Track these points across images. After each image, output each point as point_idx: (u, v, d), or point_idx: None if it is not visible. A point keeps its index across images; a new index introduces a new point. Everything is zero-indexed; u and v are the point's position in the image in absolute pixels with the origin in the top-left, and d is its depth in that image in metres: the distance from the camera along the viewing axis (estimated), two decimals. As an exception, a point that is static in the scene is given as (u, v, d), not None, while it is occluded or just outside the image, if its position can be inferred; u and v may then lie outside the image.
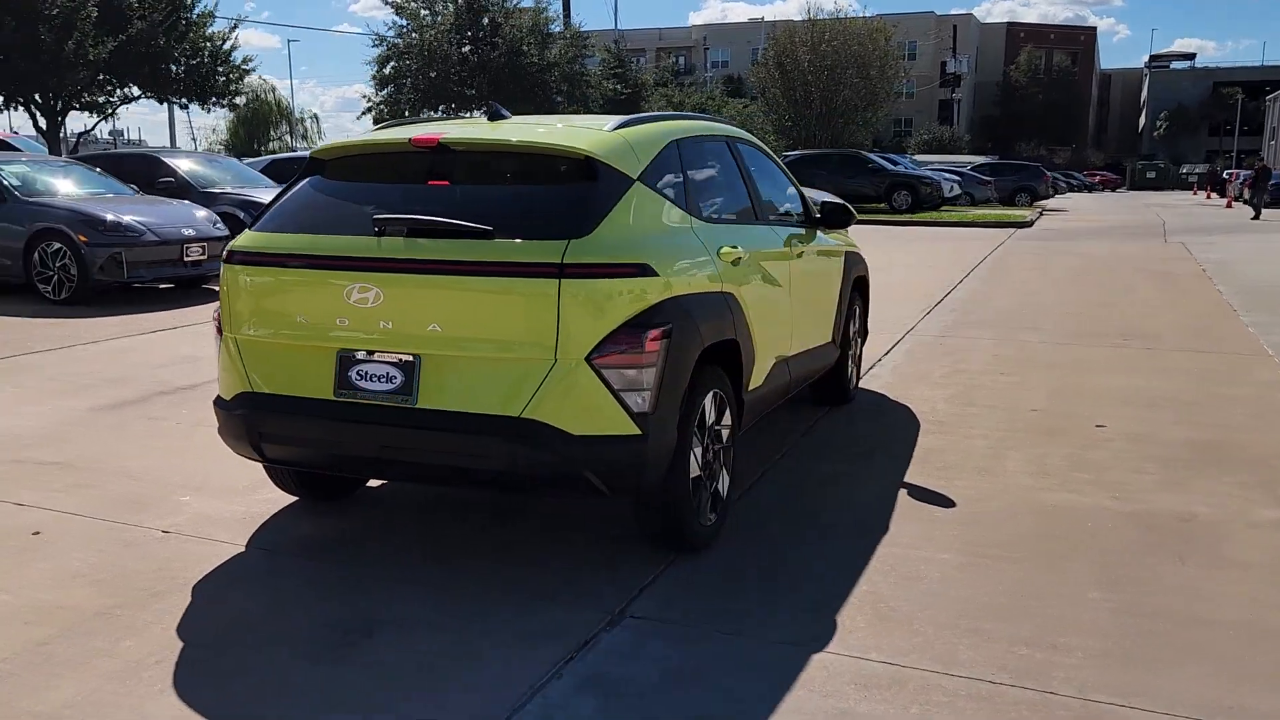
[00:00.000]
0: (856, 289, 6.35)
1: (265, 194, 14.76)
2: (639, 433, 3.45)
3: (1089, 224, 27.07)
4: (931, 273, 13.92)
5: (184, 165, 13.90)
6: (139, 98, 22.86)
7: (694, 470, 3.78)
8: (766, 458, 5.21)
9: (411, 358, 3.49)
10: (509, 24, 33.69)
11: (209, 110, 24.67)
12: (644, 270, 3.50)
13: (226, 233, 11.17)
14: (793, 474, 4.99)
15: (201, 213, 11.52)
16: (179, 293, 11.49)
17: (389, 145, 3.90)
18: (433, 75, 32.64)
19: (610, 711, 2.81)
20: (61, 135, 22.22)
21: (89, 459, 5.07)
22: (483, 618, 3.37)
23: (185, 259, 10.79)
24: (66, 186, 11.50)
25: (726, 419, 4.09)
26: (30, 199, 10.80)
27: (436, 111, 33.30)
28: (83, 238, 10.20)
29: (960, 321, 9.68)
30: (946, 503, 4.57)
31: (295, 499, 4.46)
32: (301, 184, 3.98)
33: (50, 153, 19.87)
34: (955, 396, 6.58)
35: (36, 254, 10.37)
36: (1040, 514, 4.42)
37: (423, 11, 33.91)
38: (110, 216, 10.46)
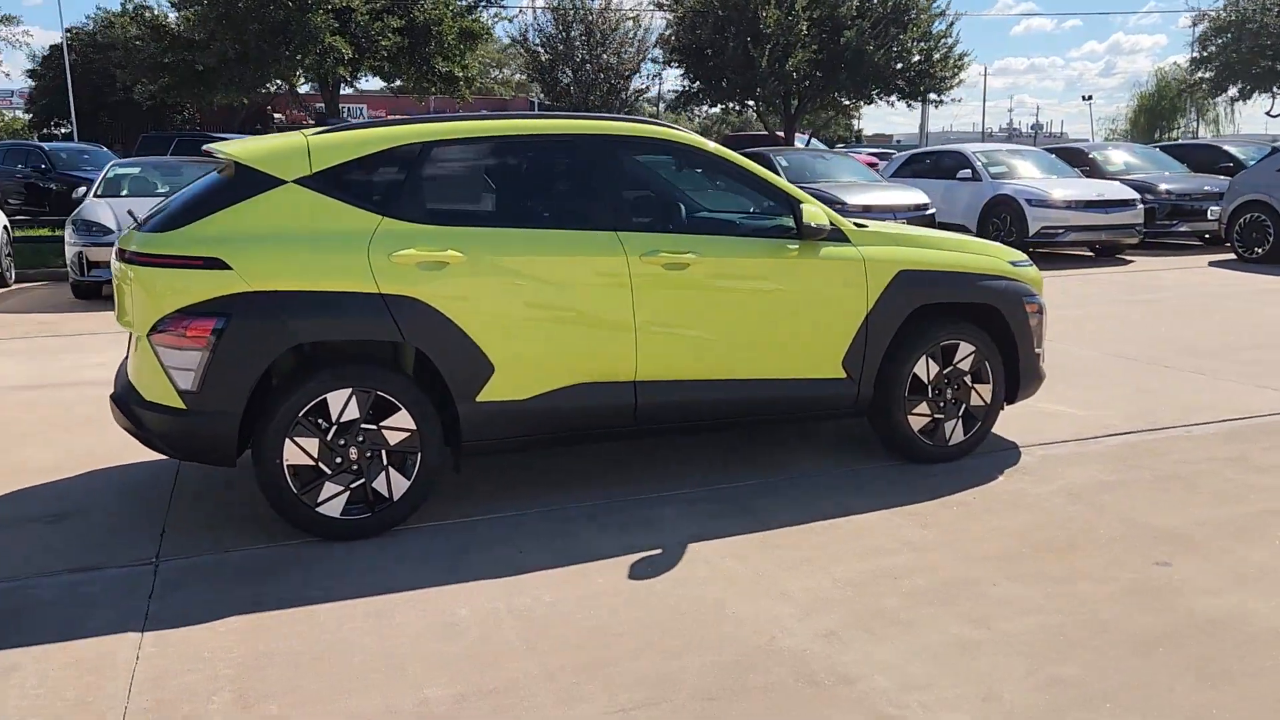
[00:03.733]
0: (938, 320, 4.95)
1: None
2: (184, 408, 3.89)
3: None
4: None
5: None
6: (858, 101, 24.73)
7: (295, 459, 3.97)
8: (659, 486, 4.69)
9: (133, 321, 4.42)
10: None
11: (911, 106, 25.41)
12: (215, 264, 3.87)
13: None
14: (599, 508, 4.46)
15: None
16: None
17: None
18: (1245, 48, 28.22)
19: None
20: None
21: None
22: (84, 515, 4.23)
23: None
24: None
25: (401, 421, 4.08)
26: None
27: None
28: None
29: None
30: (612, 569, 3.78)
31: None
32: None
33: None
34: (1101, 486, 4.69)
35: None
36: (679, 625, 3.41)
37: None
38: None
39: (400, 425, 4.10)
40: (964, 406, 5.07)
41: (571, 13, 21.71)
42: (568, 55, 22.24)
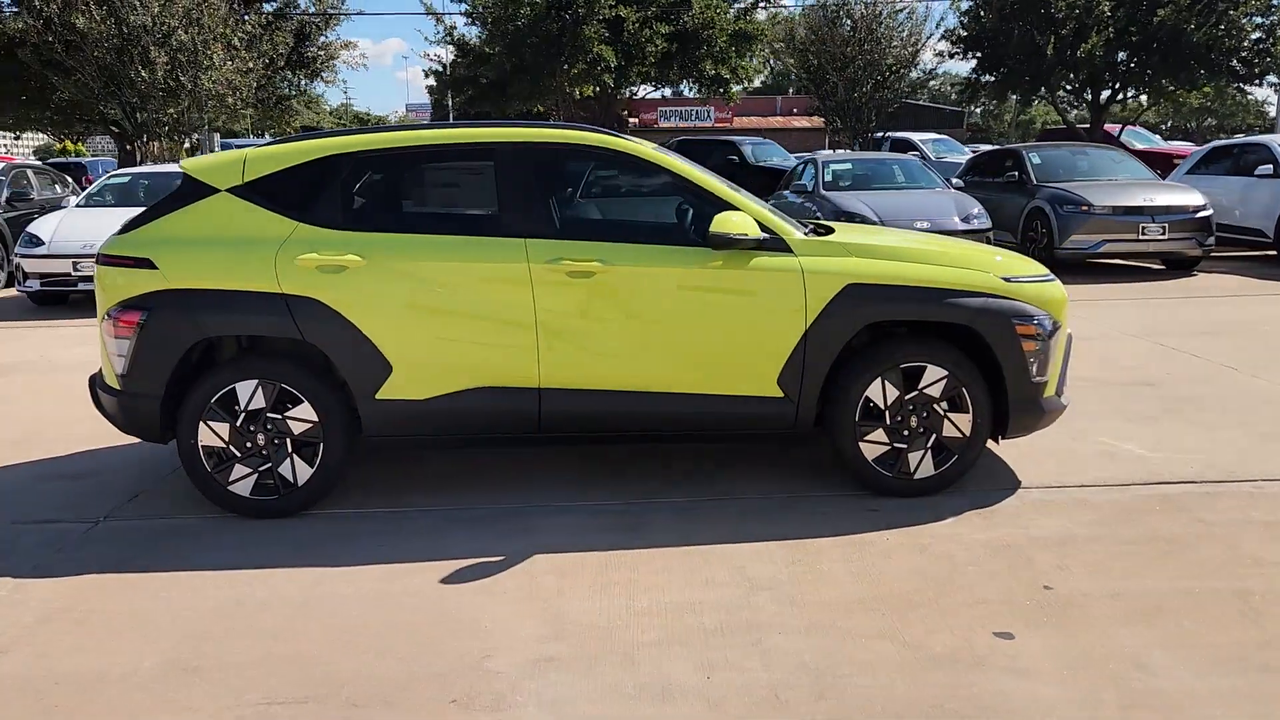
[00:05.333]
0: (898, 339, 4.50)
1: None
2: (119, 389, 4.46)
3: None
4: None
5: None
6: (1173, 90, 21.41)
7: (209, 440, 4.41)
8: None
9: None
10: None
11: (1243, 92, 21.40)
12: (145, 264, 4.39)
13: None
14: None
15: None
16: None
17: None
18: None
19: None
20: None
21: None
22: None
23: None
24: None
25: (304, 413, 4.40)
26: None
27: None
28: None
29: None
30: (434, 571, 3.80)
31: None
32: None
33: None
34: (1056, 541, 4.05)
35: None
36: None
37: None
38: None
39: (303, 417, 4.40)
40: (934, 437, 4.54)
41: (838, 8, 21.06)
42: (833, 54, 21.57)
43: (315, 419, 4.40)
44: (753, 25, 20.83)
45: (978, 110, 53.59)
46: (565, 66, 18.70)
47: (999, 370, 4.49)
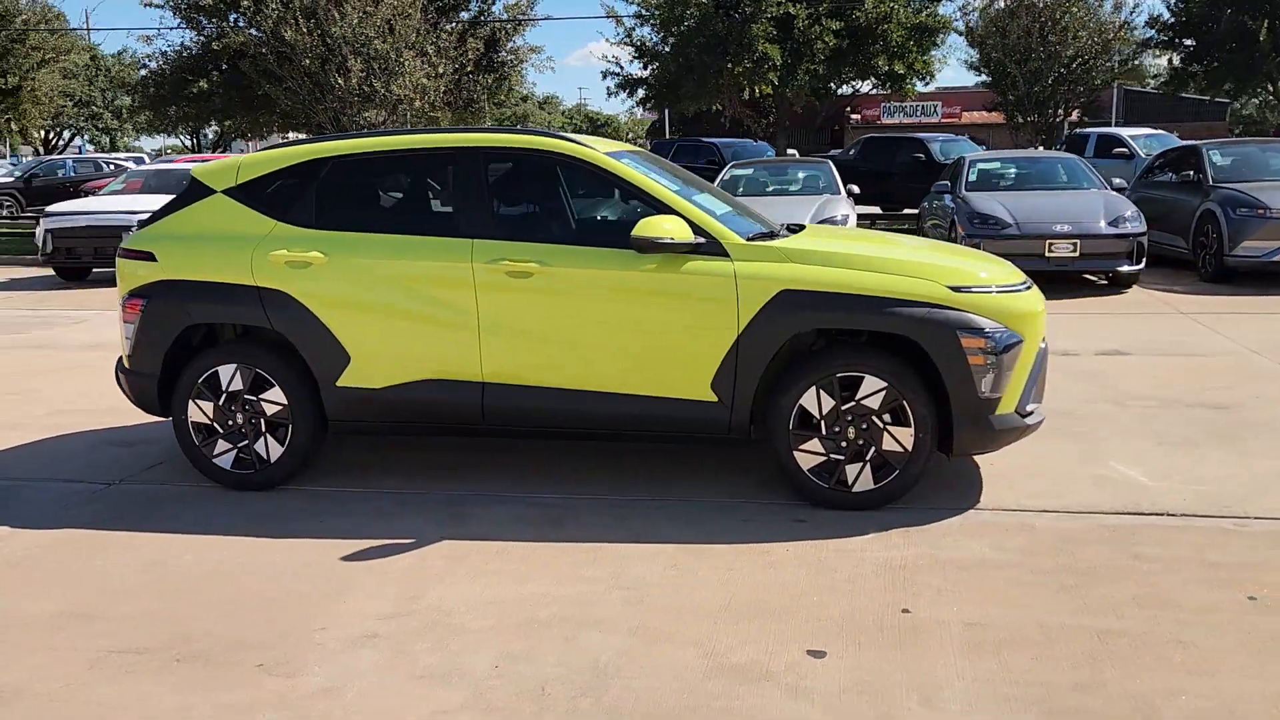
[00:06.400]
0: (836, 348, 4.40)
1: None
2: (128, 367, 5.02)
3: None
4: None
5: None
6: None
7: (197, 417, 4.89)
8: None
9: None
10: None
11: None
12: (147, 257, 4.92)
13: None
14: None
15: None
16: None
17: None
18: None
19: None
20: None
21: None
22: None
23: None
24: None
25: (275, 396, 4.81)
26: None
27: None
28: None
29: None
30: (342, 550, 4.06)
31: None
32: None
33: None
34: (965, 564, 3.86)
35: None
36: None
37: None
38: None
39: (275, 400, 4.81)
40: (874, 450, 4.38)
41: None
42: (1012, 46, 20.18)
43: (285, 402, 4.78)
44: (934, 18, 20.04)
45: (1255, 101, 48.60)
46: (730, 66, 18.74)
47: (942, 383, 4.29)
